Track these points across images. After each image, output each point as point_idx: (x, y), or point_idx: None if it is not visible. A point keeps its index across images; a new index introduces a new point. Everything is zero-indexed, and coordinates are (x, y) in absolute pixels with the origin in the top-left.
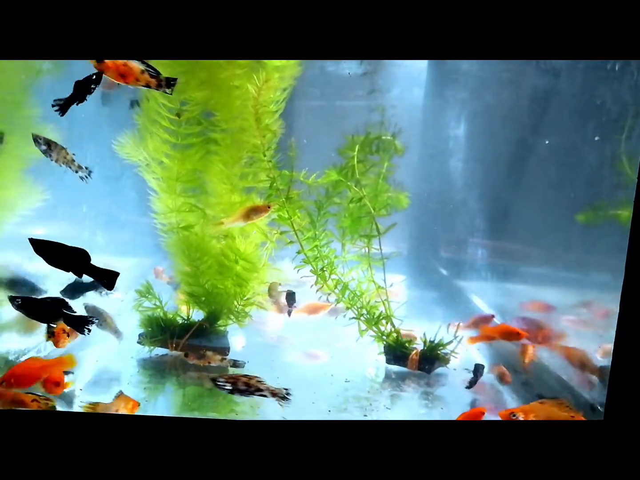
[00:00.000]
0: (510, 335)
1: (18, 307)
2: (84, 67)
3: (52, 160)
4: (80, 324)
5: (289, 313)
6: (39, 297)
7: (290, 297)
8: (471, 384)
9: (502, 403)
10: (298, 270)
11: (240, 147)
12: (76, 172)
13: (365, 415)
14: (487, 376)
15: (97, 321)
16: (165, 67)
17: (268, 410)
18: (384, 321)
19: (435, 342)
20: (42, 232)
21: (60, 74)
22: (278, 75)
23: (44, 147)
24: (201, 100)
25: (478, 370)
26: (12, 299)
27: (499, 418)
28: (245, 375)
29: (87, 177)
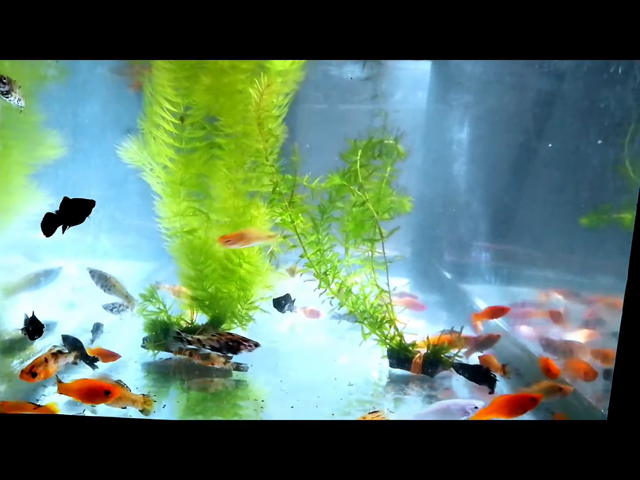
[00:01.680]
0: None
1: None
2: (87, 73)
3: (9, 99)
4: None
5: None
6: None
7: (279, 303)
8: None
9: None
10: (301, 274)
11: (244, 151)
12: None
13: None
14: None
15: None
16: (169, 72)
17: (271, 412)
18: (387, 325)
19: (439, 345)
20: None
21: (64, 80)
22: (281, 80)
23: (6, 88)
24: (205, 105)
25: (483, 373)
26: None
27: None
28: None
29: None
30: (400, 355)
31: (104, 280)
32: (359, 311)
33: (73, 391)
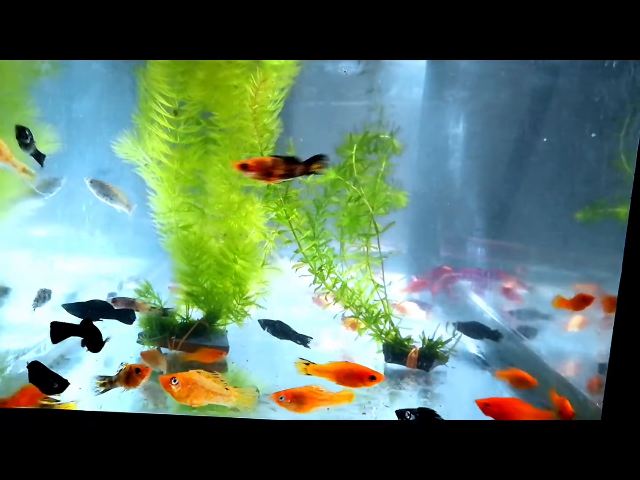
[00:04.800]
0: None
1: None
2: (82, 69)
3: None
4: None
5: None
6: None
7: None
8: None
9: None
10: (296, 270)
11: (239, 146)
12: None
13: (364, 414)
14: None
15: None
16: (164, 68)
17: (265, 409)
18: (382, 319)
19: (434, 340)
20: (43, 233)
21: (58, 75)
22: (276, 75)
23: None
24: (200, 100)
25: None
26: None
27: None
28: None
29: None
30: (395, 350)
31: (106, 190)
32: (354, 306)
33: (330, 373)
